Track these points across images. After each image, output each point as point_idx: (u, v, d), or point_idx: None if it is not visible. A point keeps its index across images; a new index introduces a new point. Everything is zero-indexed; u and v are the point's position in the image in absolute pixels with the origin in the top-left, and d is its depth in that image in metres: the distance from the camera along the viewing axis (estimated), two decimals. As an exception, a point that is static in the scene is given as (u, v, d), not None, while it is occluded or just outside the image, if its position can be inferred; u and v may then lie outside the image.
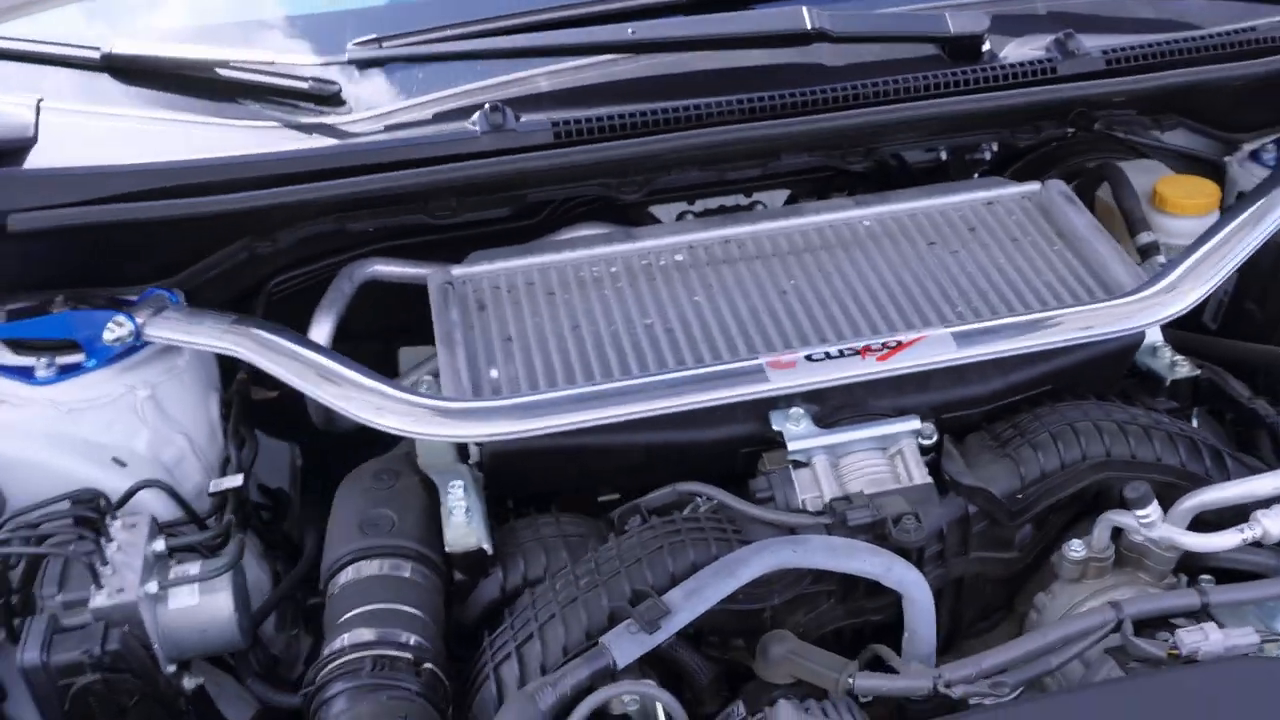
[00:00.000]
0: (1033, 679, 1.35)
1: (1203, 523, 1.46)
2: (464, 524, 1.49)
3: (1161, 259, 1.80)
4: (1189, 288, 1.60)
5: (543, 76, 1.93)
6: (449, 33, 1.95)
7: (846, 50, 1.95)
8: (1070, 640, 1.36)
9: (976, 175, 2.07)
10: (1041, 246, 1.78)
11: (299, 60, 1.95)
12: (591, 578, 1.41)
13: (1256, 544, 1.42)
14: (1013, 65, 1.90)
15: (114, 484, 1.64)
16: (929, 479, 1.52)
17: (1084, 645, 1.36)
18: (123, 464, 1.70)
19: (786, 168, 1.97)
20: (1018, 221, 1.84)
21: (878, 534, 1.45)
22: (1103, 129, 1.96)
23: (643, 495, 1.59)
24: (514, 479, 1.60)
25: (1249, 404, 1.65)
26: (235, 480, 1.71)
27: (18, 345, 1.73)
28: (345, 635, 1.39)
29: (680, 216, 2.08)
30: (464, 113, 1.84)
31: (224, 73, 1.93)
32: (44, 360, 1.70)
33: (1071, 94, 1.90)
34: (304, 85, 1.90)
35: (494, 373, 1.63)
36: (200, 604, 1.55)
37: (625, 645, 1.33)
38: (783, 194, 2.13)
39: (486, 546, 1.48)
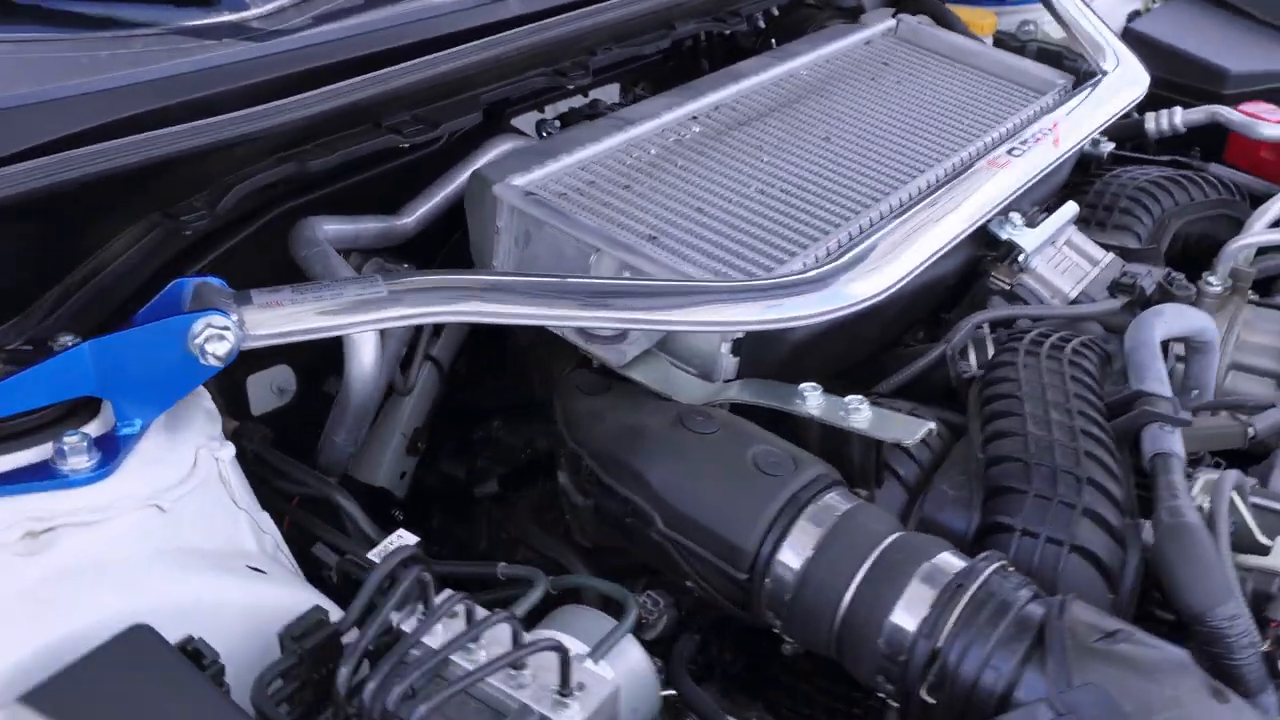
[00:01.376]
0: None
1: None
2: (887, 414, 1.15)
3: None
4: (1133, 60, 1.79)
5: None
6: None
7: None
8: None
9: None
10: (950, 68, 1.83)
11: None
12: (1059, 413, 1.19)
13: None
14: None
15: (276, 604, 0.95)
16: (1110, 254, 1.53)
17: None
18: (261, 571, 1.00)
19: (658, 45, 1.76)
20: (906, 53, 1.86)
21: (1162, 297, 1.43)
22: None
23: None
24: (800, 371, 1.26)
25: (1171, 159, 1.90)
26: (410, 539, 1.10)
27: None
28: (914, 588, 1.01)
29: (539, 126, 1.74)
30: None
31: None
32: (72, 441, 0.92)
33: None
34: (175, -27, 1.25)
35: (691, 269, 1.26)
36: (622, 677, 0.99)
37: (1178, 443, 1.16)
38: (614, 89, 1.89)
39: (933, 426, 1.16)
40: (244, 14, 1.25)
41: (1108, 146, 1.88)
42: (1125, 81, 1.71)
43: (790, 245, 1.32)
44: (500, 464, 1.49)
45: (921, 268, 1.25)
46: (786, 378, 1.23)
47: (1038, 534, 1.11)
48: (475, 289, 1.07)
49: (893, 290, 1.21)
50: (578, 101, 1.79)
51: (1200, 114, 1.93)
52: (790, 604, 1.05)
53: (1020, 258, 1.44)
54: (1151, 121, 1.95)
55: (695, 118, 1.57)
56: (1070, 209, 1.54)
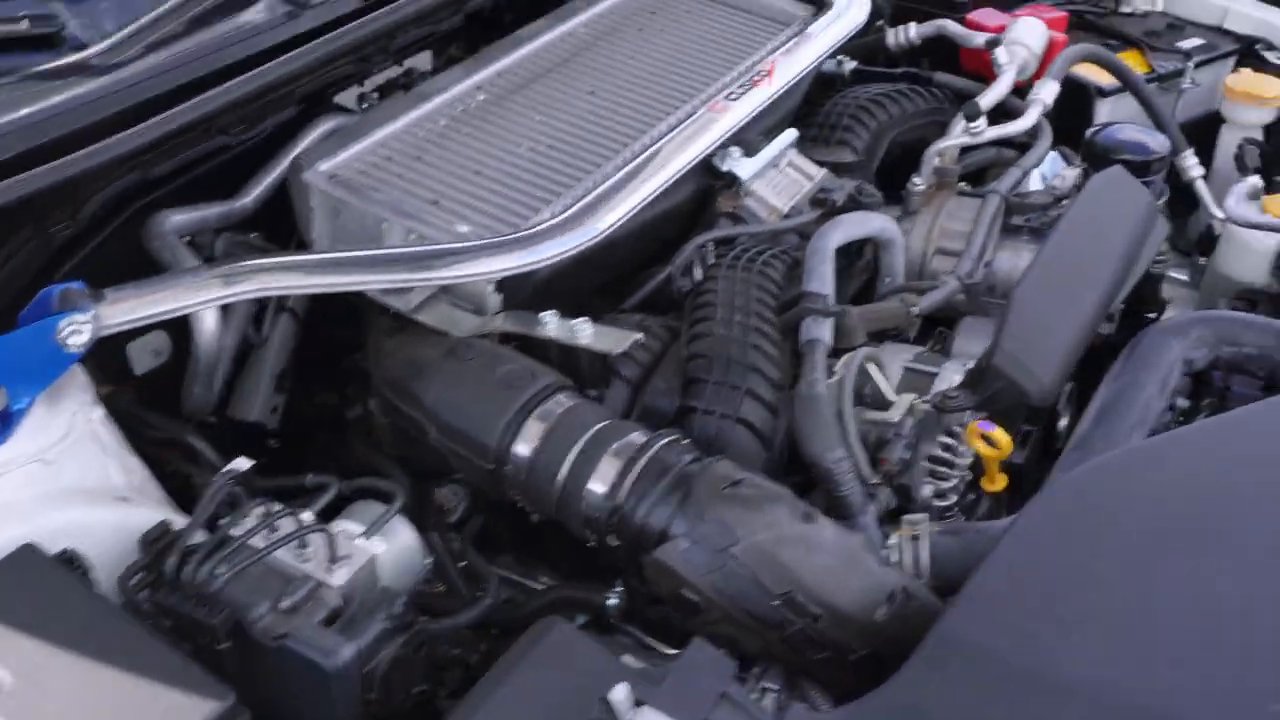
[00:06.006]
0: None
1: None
2: (604, 329, 1.52)
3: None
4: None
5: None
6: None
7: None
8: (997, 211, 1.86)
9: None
10: (709, 10, 2.15)
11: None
12: (740, 315, 1.56)
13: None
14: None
15: (138, 522, 1.33)
16: (823, 170, 1.88)
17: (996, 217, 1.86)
18: (126, 499, 1.37)
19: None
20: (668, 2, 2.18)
21: (853, 206, 1.79)
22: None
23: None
24: (555, 298, 1.61)
25: (899, 72, 2.23)
26: (245, 462, 1.47)
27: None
28: (605, 461, 1.39)
29: (360, 99, 2.06)
30: (226, 9, 1.68)
31: None
32: (-26, 416, 1.29)
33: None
34: (19, 27, 1.56)
35: (464, 227, 1.60)
36: (391, 548, 1.38)
37: (826, 330, 1.53)
38: (427, 55, 2.19)
39: (639, 336, 1.52)
40: (85, 53, 1.56)
41: (850, 65, 2.21)
42: (843, 14, 2.04)
43: (548, 194, 1.66)
44: (365, 390, 1.85)
45: (635, 209, 1.59)
46: (545, 305, 1.59)
47: (712, 411, 1.49)
48: (277, 269, 1.42)
49: (609, 232, 1.56)
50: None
51: (930, 28, 2.26)
52: (525, 483, 1.44)
53: (741, 184, 1.79)
54: (891, 37, 2.28)
55: (480, 87, 1.89)
56: (788, 135, 1.88)
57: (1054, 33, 2.25)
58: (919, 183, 1.97)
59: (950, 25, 2.24)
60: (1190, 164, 2.18)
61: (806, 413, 1.44)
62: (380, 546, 1.36)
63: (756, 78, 1.84)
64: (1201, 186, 2.18)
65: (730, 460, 1.40)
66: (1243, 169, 2.14)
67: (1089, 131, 2.04)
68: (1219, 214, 2.10)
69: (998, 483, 1.56)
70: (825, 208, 1.77)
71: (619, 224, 1.57)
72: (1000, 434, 1.52)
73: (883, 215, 1.77)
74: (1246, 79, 2.25)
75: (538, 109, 1.85)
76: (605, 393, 1.56)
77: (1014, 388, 1.52)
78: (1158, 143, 2.05)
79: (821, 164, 1.91)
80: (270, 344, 1.81)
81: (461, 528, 1.56)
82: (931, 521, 1.48)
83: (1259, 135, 2.27)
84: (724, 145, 1.78)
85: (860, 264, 1.83)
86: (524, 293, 1.59)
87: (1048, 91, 2.02)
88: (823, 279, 1.59)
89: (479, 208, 1.64)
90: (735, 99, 1.80)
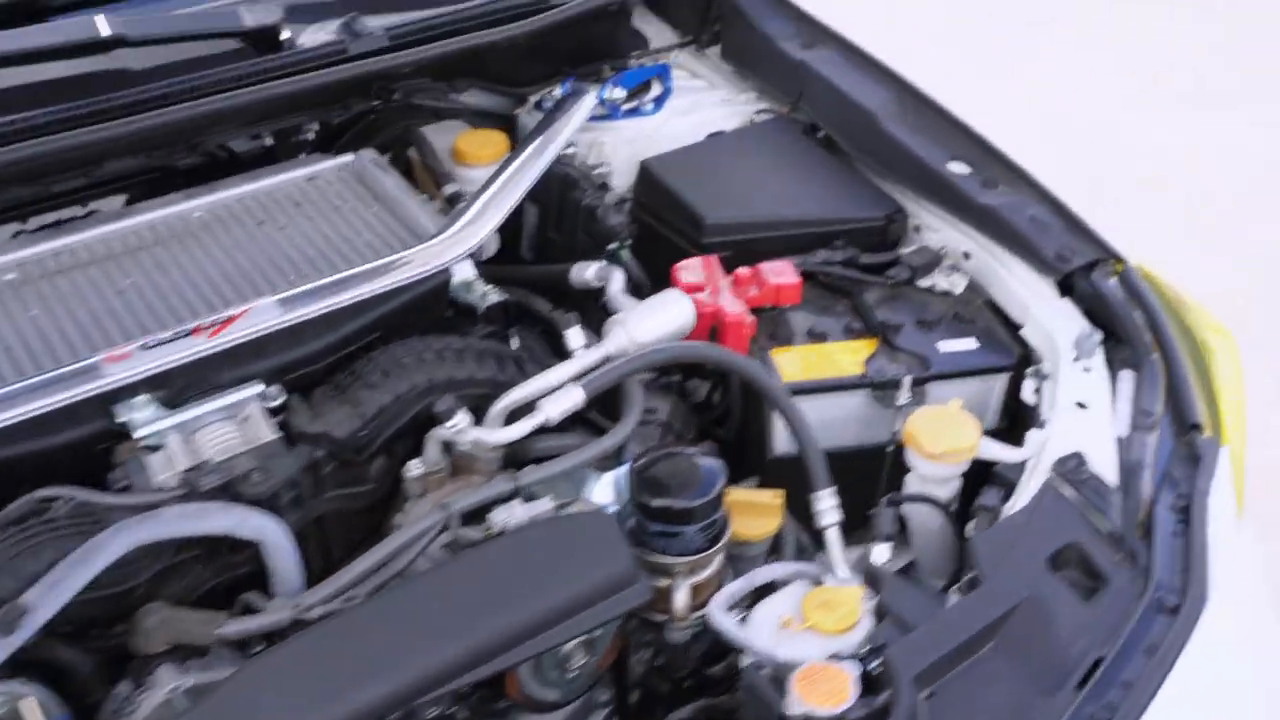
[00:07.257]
0: (383, 585, 1.55)
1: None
2: None
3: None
4: (481, 222, 1.87)
5: None
6: None
7: (153, 53, 2.05)
8: (407, 544, 1.58)
9: (303, 155, 2.23)
10: (360, 210, 1.99)
11: None
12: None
13: (543, 429, 1.70)
14: (309, 50, 2.09)
15: None
16: (278, 434, 1.68)
17: (421, 545, 1.58)
18: None
19: (115, 173, 2.04)
20: (338, 191, 2.03)
21: (232, 493, 1.59)
22: (403, 99, 2.18)
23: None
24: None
25: (549, 315, 1.95)
26: None
27: None
28: None
29: (16, 236, 2.08)
30: None
31: None
32: None
33: (364, 70, 2.12)
34: None
35: None
36: None
37: (-5, 650, 1.39)
38: (120, 199, 2.18)
39: None
40: None
41: (494, 298, 1.94)
42: (429, 253, 1.82)
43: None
44: None
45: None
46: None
47: None
48: None
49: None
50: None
51: (608, 272, 1.95)
52: None
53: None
54: (575, 272, 1.99)
55: (22, 264, 1.86)
56: (245, 391, 1.69)
57: (733, 313, 1.87)
58: (415, 466, 1.72)
59: (615, 279, 1.92)
60: (825, 507, 1.73)
61: None
62: None
63: (199, 328, 1.68)
64: (832, 538, 1.72)
65: None
66: (876, 535, 1.69)
67: (642, 458, 1.67)
68: (840, 573, 1.67)
69: None
70: (188, 488, 1.58)
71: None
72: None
73: (248, 512, 1.56)
74: (922, 417, 1.75)
75: (46, 302, 1.80)
76: None
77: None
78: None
79: (293, 431, 1.71)
80: None
81: None
82: None
83: (946, 492, 1.77)
84: (131, 393, 1.65)
85: (246, 554, 1.63)
86: None
87: (556, 403, 1.68)
88: (52, 587, 1.43)
89: None
90: (152, 347, 1.65)
